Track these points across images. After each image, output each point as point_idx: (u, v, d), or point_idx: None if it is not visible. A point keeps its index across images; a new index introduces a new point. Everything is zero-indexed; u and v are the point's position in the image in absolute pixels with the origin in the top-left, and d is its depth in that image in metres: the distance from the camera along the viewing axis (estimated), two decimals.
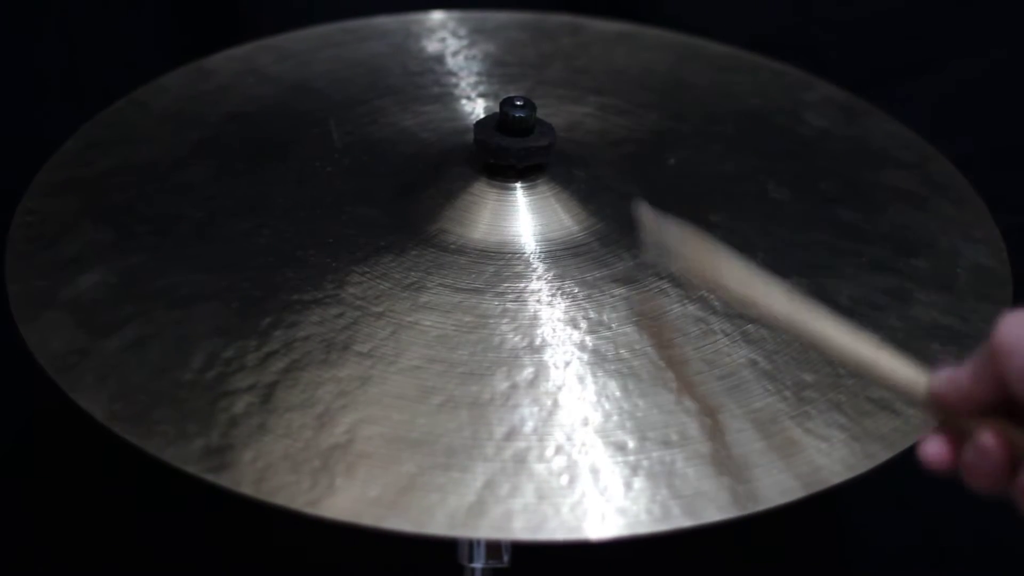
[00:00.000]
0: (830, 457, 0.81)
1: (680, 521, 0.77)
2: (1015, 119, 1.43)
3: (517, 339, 0.86)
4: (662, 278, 0.91)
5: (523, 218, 0.95)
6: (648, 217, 0.85)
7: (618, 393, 0.83)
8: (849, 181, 1.05)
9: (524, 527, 0.77)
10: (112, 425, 0.82)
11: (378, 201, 0.98)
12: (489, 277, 0.91)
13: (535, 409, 0.82)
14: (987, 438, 0.68)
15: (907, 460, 0.83)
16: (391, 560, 1.34)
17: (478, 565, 0.96)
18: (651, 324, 0.87)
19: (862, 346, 0.74)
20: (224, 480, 0.78)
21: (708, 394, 0.83)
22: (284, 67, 1.15)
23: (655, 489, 0.79)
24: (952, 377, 0.70)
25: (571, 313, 0.88)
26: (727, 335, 0.88)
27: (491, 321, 0.88)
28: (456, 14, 1.21)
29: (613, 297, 0.90)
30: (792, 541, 1.43)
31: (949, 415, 0.70)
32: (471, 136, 0.98)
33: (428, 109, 1.09)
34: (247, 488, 0.78)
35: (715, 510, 0.78)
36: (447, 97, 1.11)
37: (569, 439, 0.81)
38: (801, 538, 1.44)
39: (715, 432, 0.81)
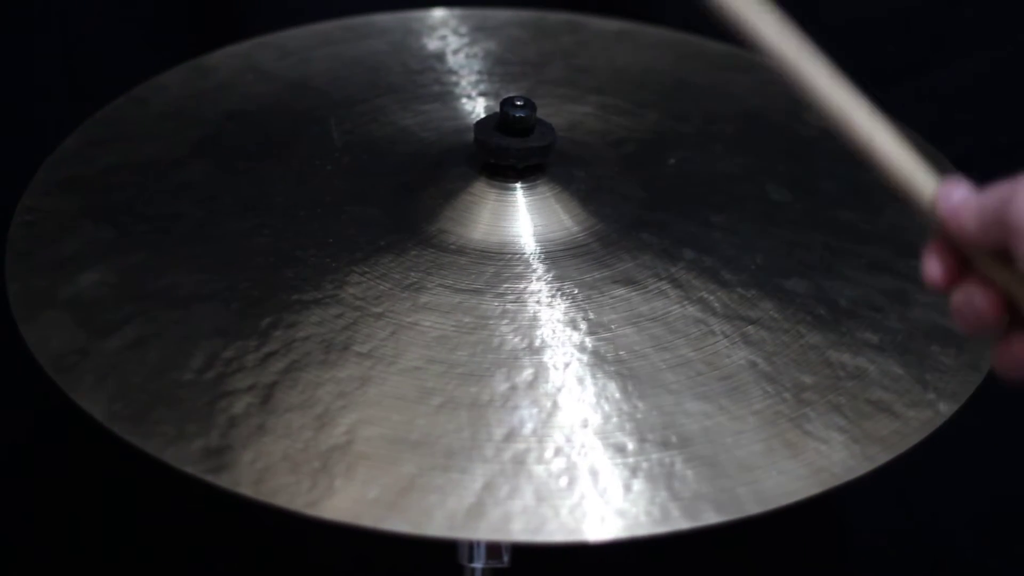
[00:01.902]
0: (829, 459, 0.81)
1: (679, 523, 0.77)
2: (1015, 119, 1.43)
3: (517, 340, 0.86)
4: (662, 279, 0.91)
5: (523, 218, 0.95)
6: None
7: (618, 395, 0.83)
8: (849, 181, 1.05)
9: (523, 529, 0.77)
10: (112, 425, 0.82)
11: (378, 201, 0.98)
12: (489, 278, 0.91)
13: (534, 410, 0.82)
14: (977, 291, 0.67)
15: (907, 461, 0.83)
16: (391, 560, 1.34)
17: (478, 565, 0.97)
18: None
19: (879, 129, 0.72)
20: (223, 481, 0.78)
21: None
22: (284, 65, 1.15)
23: (654, 491, 0.79)
24: (958, 209, 0.67)
25: (571, 314, 0.89)
26: (727, 336, 0.88)
27: (491, 322, 0.88)
28: (457, 12, 1.21)
29: (613, 298, 0.90)
30: (792, 542, 1.43)
31: (948, 236, 0.68)
32: (471, 135, 0.98)
33: (428, 108, 1.09)
34: (246, 489, 0.78)
35: (714, 512, 0.78)
36: (447, 96, 1.11)
37: (568, 441, 0.81)
38: (801, 539, 1.44)
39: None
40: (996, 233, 0.66)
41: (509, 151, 0.96)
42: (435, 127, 1.07)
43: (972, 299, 0.68)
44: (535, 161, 0.97)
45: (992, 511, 1.45)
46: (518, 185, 0.97)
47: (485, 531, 0.77)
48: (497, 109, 0.97)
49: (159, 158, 1.03)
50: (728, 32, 1.20)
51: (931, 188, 0.69)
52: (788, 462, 0.81)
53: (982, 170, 1.08)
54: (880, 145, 0.71)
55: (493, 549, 0.96)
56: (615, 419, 0.82)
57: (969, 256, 0.68)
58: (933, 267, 0.69)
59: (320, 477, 0.78)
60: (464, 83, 1.13)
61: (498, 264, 0.92)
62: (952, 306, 0.69)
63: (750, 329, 0.88)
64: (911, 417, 0.84)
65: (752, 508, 0.78)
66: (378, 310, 0.88)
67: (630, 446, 0.81)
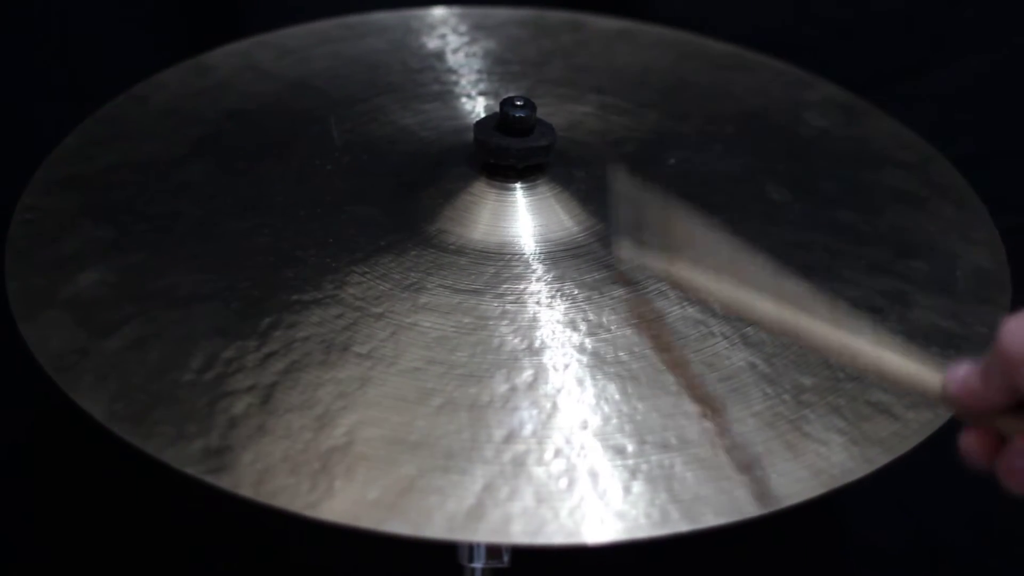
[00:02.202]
0: (829, 461, 0.81)
1: (679, 525, 0.77)
2: (1016, 119, 1.43)
3: (516, 341, 0.86)
4: (661, 280, 0.91)
5: (523, 218, 0.95)
6: (624, 185, 0.84)
7: (617, 396, 0.83)
8: (849, 181, 1.05)
9: (523, 531, 0.77)
10: (112, 425, 0.82)
11: (378, 201, 0.98)
12: (489, 278, 0.91)
13: (534, 412, 0.82)
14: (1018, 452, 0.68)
15: (906, 462, 0.83)
16: (391, 560, 1.34)
17: (478, 565, 0.97)
18: (649, 327, 0.87)
19: (865, 346, 0.74)
20: (223, 482, 0.79)
21: (711, 394, 0.83)
22: (284, 63, 1.15)
23: (654, 493, 0.79)
24: (966, 381, 0.70)
25: (570, 315, 0.89)
26: (726, 338, 0.88)
27: (490, 323, 0.88)
28: (456, 10, 1.21)
29: (613, 299, 0.90)
30: (791, 543, 1.43)
31: (970, 415, 0.70)
32: (471, 135, 0.98)
33: (428, 107, 1.09)
34: (246, 490, 0.78)
35: (713, 514, 0.78)
36: (447, 95, 1.11)
37: (568, 442, 0.81)
38: (800, 539, 1.44)
39: (719, 432, 0.81)
40: (1004, 383, 0.67)
41: (509, 151, 0.96)
42: (435, 126, 1.07)
43: (1016, 458, 0.69)
44: (535, 161, 0.97)
45: (992, 511, 1.45)
46: (518, 185, 0.97)
47: (485, 533, 0.77)
48: (497, 108, 0.97)
49: (159, 157, 1.03)
50: (728, 32, 1.21)
51: (937, 379, 0.72)
52: (788, 464, 0.81)
53: (982, 170, 1.08)
54: (881, 363, 0.74)
55: (493, 549, 0.96)
56: (615, 421, 0.82)
57: (1000, 427, 0.70)
58: (970, 444, 0.71)
59: (320, 478, 0.78)
60: (464, 82, 1.13)
61: (498, 264, 0.92)
62: (1003, 475, 0.70)
63: (750, 330, 0.88)
64: (911, 419, 0.84)
65: (752, 510, 0.78)
66: (378, 310, 0.88)
67: (630, 448, 0.81)
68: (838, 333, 0.75)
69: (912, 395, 0.74)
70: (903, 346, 0.74)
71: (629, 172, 0.87)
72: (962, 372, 0.70)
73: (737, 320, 0.87)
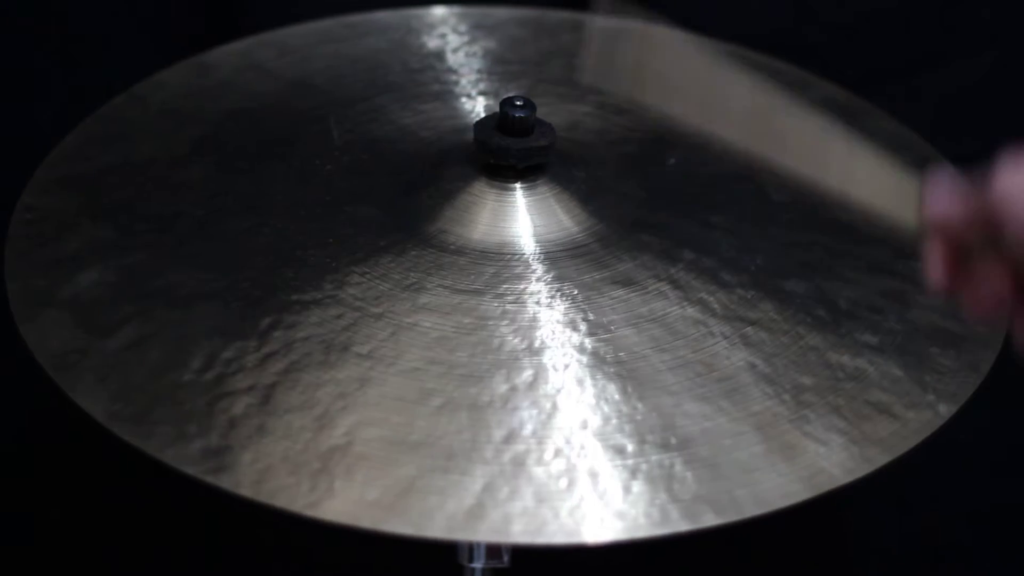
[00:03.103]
0: (829, 461, 0.81)
1: (679, 525, 0.77)
2: (1016, 119, 1.43)
3: (516, 341, 0.86)
4: (661, 280, 0.91)
5: (523, 219, 0.95)
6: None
7: (617, 396, 0.83)
8: None
9: (523, 530, 0.77)
10: (112, 425, 0.82)
11: (378, 201, 0.98)
12: (489, 278, 0.91)
13: (534, 412, 0.82)
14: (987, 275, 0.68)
15: (906, 461, 0.83)
16: (391, 560, 1.34)
17: (478, 565, 0.97)
18: None
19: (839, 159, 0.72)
20: (223, 482, 0.79)
21: None
22: (284, 63, 1.15)
23: (654, 493, 0.79)
24: (946, 210, 0.69)
25: (570, 315, 0.89)
26: (726, 338, 0.88)
27: (490, 323, 0.88)
28: (457, 9, 1.21)
29: (613, 299, 0.90)
30: (791, 542, 1.43)
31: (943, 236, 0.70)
32: (471, 135, 0.98)
33: (428, 107, 1.09)
34: (246, 490, 0.78)
35: (713, 514, 0.78)
36: (447, 95, 1.11)
37: (568, 442, 0.81)
38: (800, 539, 1.44)
39: None
40: (990, 221, 0.67)
41: (509, 151, 0.96)
42: (435, 126, 1.07)
43: (977, 289, 0.69)
44: (535, 161, 0.97)
45: (992, 511, 1.45)
46: (518, 185, 0.97)
47: (485, 533, 0.77)
48: (497, 108, 0.97)
49: (159, 156, 1.03)
50: (728, 32, 1.20)
51: (915, 196, 0.71)
52: (788, 463, 0.81)
53: (982, 170, 1.08)
54: (853, 185, 0.73)
55: (493, 549, 0.96)
56: (615, 421, 0.82)
57: (966, 250, 0.69)
58: (936, 266, 0.70)
59: (320, 478, 0.78)
60: (464, 82, 1.13)
61: (498, 265, 0.92)
62: (967, 299, 0.70)
63: (749, 330, 0.88)
64: (911, 418, 0.84)
65: (752, 510, 0.78)
66: (378, 311, 0.88)
67: (629, 448, 0.81)
68: (811, 145, 0.73)
69: (880, 211, 0.73)
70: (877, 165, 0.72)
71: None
72: (942, 198, 0.70)
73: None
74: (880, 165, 0.72)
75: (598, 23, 0.81)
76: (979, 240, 0.68)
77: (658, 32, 0.75)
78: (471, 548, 0.96)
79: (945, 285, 0.70)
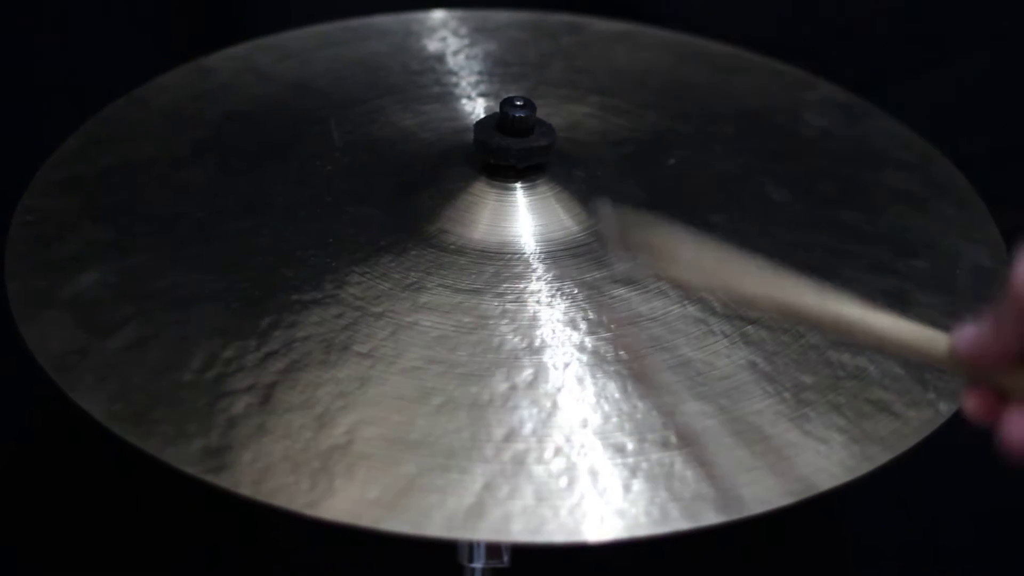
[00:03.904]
0: (829, 459, 0.81)
1: (679, 523, 0.77)
2: (1016, 119, 1.43)
3: (516, 340, 0.86)
4: (661, 278, 0.91)
5: (523, 218, 0.95)
6: (608, 215, 0.85)
7: (617, 395, 0.83)
8: (849, 181, 1.05)
9: (523, 529, 0.77)
10: (112, 425, 0.82)
11: (378, 201, 0.98)
12: (489, 278, 0.91)
13: (534, 411, 0.82)
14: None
15: (907, 460, 0.83)
16: (391, 560, 1.34)
17: (478, 565, 0.97)
18: (622, 337, 0.87)
19: (869, 316, 0.73)
20: (223, 481, 0.78)
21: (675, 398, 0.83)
22: (284, 66, 1.15)
23: (654, 491, 0.79)
24: (975, 335, 0.68)
25: (571, 314, 0.89)
26: (726, 336, 0.88)
27: (491, 322, 0.88)
28: (457, 13, 1.21)
29: (613, 298, 0.90)
30: (792, 542, 1.43)
31: (979, 373, 0.69)
32: (471, 136, 0.98)
33: (428, 108, 1.09)
34: (246, 489, 0.78)
35: (714, 513, 0.78)
36: (447, 96, 1.11)
37: (568, 441, 0.81)
38: (800, 538, 1.44)
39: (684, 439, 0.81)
40: (1017, 330, 0.67)
41: (509, 151, 0.96)
42: (435, 128, 1.07)
43: (1018, 423, 0.69)
44: (535, 161, 0.97)
45: (992, 511, 1.45)
46: (518, 185, 0.97)
47: (485, 531, 0.77)
48: (497, 110, 0.97)
49: (159, 158, 1.04)
50: (728, 33, 1.21)
51: (943, 342, 0.71)
52: (788, 462, 0.81)
53: (982, 170, 1.08)
54: (890, 331, 0.73)
55: (493, 549, 0.96)
56: (615, 419, 0.82)
57: (1005, 388, 0.69)
58: (973, 404, 0.70)
59: (320, 477, 0.78)
60: (464, 84, 1.13)
61: (498, 264, 0.92)
62: (1004, 438, 0.69)
63: (750, 329, 0.88)
64: (911, 417, 0.84)
65: (752, 508, 0.78)
66: (378, 310, 0.88)
67: (630, 446, 0.81)
68: (837, 306, 0.74)
69: (916, 359, 0.73)
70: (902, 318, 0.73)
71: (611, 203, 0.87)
72: (970, 330, 0.69)
73: (733, 308, 0.87)
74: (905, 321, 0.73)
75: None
76: (1010, 363, 0.68)
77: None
78: (471, 548, 0.96)
79: (984, 418, 0.70)
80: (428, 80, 1.13)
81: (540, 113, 0.97)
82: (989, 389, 0.69)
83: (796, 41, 1.35)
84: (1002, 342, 0.67)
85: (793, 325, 0.85)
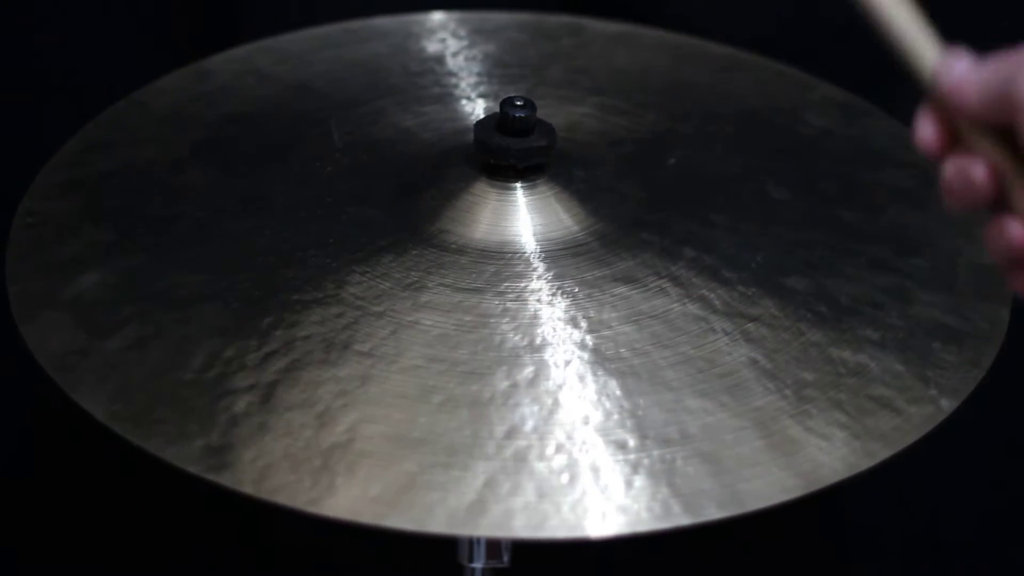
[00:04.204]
0: (831, 455, 0.81)
1: (680, 519, 0.77)
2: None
3: (517, 338, 0.86)
4: (662, 277, 0.91)
5: (523, 218, 0.95)
6: None
7: (618, 392, 0.83)
8: (849, 181, 1.05)
9: (525, 525, 0.77)
10: (112, 425, 0.82)
11: (378, 201, 0.98)
12: (489, 277, 0.91)
13: (535, 408, 0.82)
14: (973, 164, 0.65)
15: (908, 457, 0.83)
16: (391, 560, 1.34)
17: (478, 565, 0.96)
18: None
19: None
20: (225, 479, 0.78)
21: None
22: (284, 68, 1.15)
23: (656, 487, 0.79)
24: (961, 83, 0.66)
25: (571, 312, 0.89)
26: (727, 334, 0.88)
27: (491, 320, 0.88)
28: (456, 15, 1.21)
29: (613, 296, 0.90)
30: (792, 538, 1.43)
31: (945, 107, 0.67)
32: (471, 136, 0.98)
33: (428, 109, 1.09)
34: (248, 487, 0.78)
35: (715, 508, 0.78)
36: (447, 97, 1.11)
37: (569, 438, 0.81)
38: (801, 535, 1.44)
39: None
40: (998, 109, 0.64)
41: (509, 151, 0.96)
42: (435, 128, 1.07)
43: (967, 170, 0.66)
44: (535, 161, 0.97)
45: (993, 508, 1.45)
46: (518, 185, 0.97)
47: (486, 528, 0.77)
48: (497, 110, 0.97)
49: (159, 160, 1.04)
50: (727, 33, 1.20)
51: (933, 58, 0.68)
52: (789, 458, 0.81)
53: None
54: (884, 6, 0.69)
55: (493, 549, 0.96)
56: (616, 416, 0.82)
57: (963, 130, 0.66)
58: (926, 131, 0.67)
59: (321, 475, 0.78)
60: (464, 85, 1.13)
61: (498, 263, 0.92)
62: (944, 176, 0.67)
63: (751, 326, 0.88)
64: (912, 413, 0.84)
65: (753, 504, 0.78)
66: (379, 309, 0.88)
67: (631, 443, 0.81)
68: None
69: (898, 56, 0.71)
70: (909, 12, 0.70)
71: None
72: (959, 71, 0.66)
73: None
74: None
75: None
76: (982, 125, 0.65)
77: None
78: (471, 547, 0.96)
79: (931, 150, 0.67)
80: (428, 81, 1.13)
81: (540, 114, 0.97)
82: (947, 125, 0.67)
83: (796, 41, 1.34)
84: (982, 101, 0.65)
85: None
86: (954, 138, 0.67)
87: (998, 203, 0.66)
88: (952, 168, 0.66)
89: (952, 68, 0.67)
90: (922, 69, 0.68)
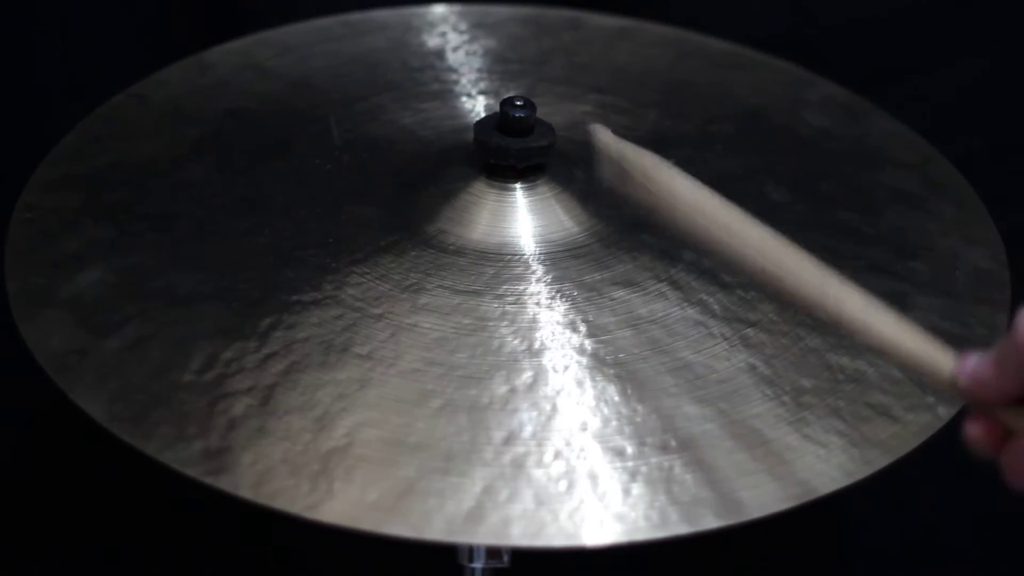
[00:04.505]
0: (828, 463, 0.81)
1: (678, 528, 0.77)
2: (1016, 119, 1.43)
3: (516, 342, 0.86)
4: (661, 281, 0.91)
5: (523, 219, 0.95)
6: (604, 138, 0.83)
7: (617, 398, 0.83)
8: (849, 181, 1.05)
9: (522, 533, 0.77)
10: (112, 426, 0.82)
11: (378, 201, 0.98)
12: (488, 279, 0.91)
13: (534, 414, 0.82)
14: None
15: (907, 461, 0.83)
16: (391, 560, 1.34)
17: (478, 565, 0.97)
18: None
19: (871, 315, 0.72)
20: (223, 483, 0.79)
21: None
22: (283, 61, 1.15)
23: (653, 495, 0.79)
24: (978, 371, 0.69)
25: (570, 316, 0.89)
26: (726, 339, 0.88)
27: (490, 324, 0.88)
28: (457, 8, 1.21)
29: (612, 300, 0.90)
30: (791, 541, 1.43)
31: (980, 405, 0.69)
32: (471, 135, 0.98)
33: (428, 106, 1.09)
34: (246, 492, 0.78)
35: (713, 517, 0.78)
36: (447, 94, 1.11)
37: (568, 444, 0.81)
38: (800, 538, 1.44)
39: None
40: (1017, 375, 0.67)
41: (509, 151, 0.96)
42: (434, 126, 1.07)
43: (1020, 456, 0.68)
44: (535, 161, 0.97)
45: (993, 512, 1.45)
46: (518, 185, 0.97)
47: (484, 535, 0.77)
48: (497, 107, 0.97)
49: (158, 156, 1.03)
50: (728, 31, 1.20)
51: (949, 365, 0.71)
52: (787, 466, 0.81)
53: (982, 170, 1.08)
54: (893, 338, 0.73)
55: (493, 549, 0.96)
56: (614, 422, 0.82)
57: (1007, 420, 0.69)
58: (975, 434, 0.70)
59: (319, 480, 0.78)
60: (464, 81, 1.12)
61: (497, 265, 0.92)
62: (1006, 469, 0.69)
63: (749, 332, 0.88)
64: (910, 421, 0.84)
65: (751, 512, 0.78)
66: (378, 311, 0.88)
67: (629, 450, 0.81)
68: (838, 297, 0.74)
69: (915, 371, 0.73)
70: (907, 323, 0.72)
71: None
72: (973, 362, 0.69)
73: (719, 262, 0.83)
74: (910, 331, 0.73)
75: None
76: (1014, 402, 0.68)
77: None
78: (471, 548, 0.96)
79: (987, 450, 0.70)
80: (427, 77, 1.13)
81: (540, 111, 0.97)
82: (990, 419, 0.69)
83: (797, 40, 1.34)
84: (1002, 382, 0.68)
85: (782, 301, 0.81)
86: (1002, 429, 0.69)
87: None
88: (1010, 458, 0.69)
89: (965, 365, 0.70)
90: (943, 382, 0.71)
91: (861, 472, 0.81)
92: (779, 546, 1.41)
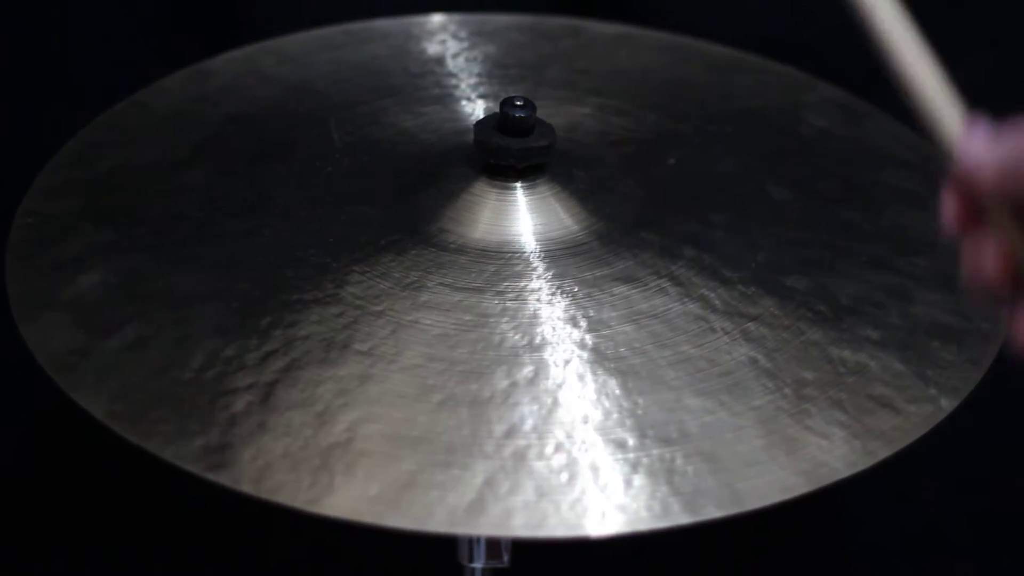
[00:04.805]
0: (831, 455, 0.81)
1: (680, 518, 0.77)
2: (1016, 119, 1.43)
3: (517, 337, 0.86)
4: (662, 276, 0.91)
5: (523, 218, 0.95)
6: None
7: (618, 391, 0.83)
8: (849, 181, 1.05)
9: (524, 524, 0.77)
10: (112, 425, 0.82)
11: (378, 201, 0.98)
12: (489, 276, 0.91)
13: (535, 407, 0.82)
14: (987, 244, 0.62)
15: (908, 454, 0.83)
16: (391, 560, 1.34)
17: (478, 565, 0.96)
18: None
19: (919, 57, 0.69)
20: (224, 479, 0.78)
21: None
22: (285, 69, 1.15)
23: (655, 486, 0.79)
24: (979, 160, 0.63)
25: (571, 312, 0.89)
26: (727, 333, 0.88)
27: (491, 320, 0.88)
28: (456, 16, 1.21)
29: (613, 296, 0.90)
30: (792, 535, 1.43)
31: (967, 187, 0.63)
32: (471, 137, 0.98)
33: (428, 110, 1.10)
34: (247, 486, 0.78)
35: (715, 507, 0.78)
36: (447, 98, 1.11)
37: (569, 437, 0.81)
38: (801, 532, 1.44)
39: None
40: (1015, 188, 0.62)
41: (509, 151, 0.96)
42: (435, 129, 1.07)
43: (980, 252, 0.64)
44: (535, 161, 0.97)
45: (993, 509, 1.44)
46: (518, 185, 0.97)
47: (486, 527, 0.77)
48: (497, 111, 0.97)
49: (160, 161, 1.04)
50: (727, 34, 1.20)
51: (955, 130, 0.66)
52: (789, 457, 0.80)
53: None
54: (916, 72, 0.69)
55: (493, 548, 0.96)
56: (615, 415, 0.82)
57: (985, 206, 0.64)
58: (949, 208, 0.65)
59: (320, 474, 0.78)
60: (464, 86, 1.13)
61: (498, 263, 0.92)
62: (963, 255, 0.65)
63: (751, 326, 0.88)
64: (912, 412, 0.84)
65: (753, 503, 0.78)
66: (378, 308, 0.88)
67: (630, 442, 0.81)
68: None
69: (922, 122, 0.69)
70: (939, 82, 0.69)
71: None
72: (977, 147, 0.64)
73: None
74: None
75: None
76: (999, 202, 0.63)
77: None
78: (471, 547, 0.96)
79: (953, 227, 0.65)
80: (428, 82, 1.13)
81: (540, 114, 0.97)
82: (970, 202, 0.63)
83: (796, 41, 1.35)
84: (1001, 176, 0.62)
85: None
86: (977, 216, 0.64)
87: (1018, 289, 0.64)
88: (968, 246, 0.64)
89: (970, 144, 0.64)
90: (944, 142, 0.66)
91: (863, 463, 0.81)
92: (780, 540, 1.41)
